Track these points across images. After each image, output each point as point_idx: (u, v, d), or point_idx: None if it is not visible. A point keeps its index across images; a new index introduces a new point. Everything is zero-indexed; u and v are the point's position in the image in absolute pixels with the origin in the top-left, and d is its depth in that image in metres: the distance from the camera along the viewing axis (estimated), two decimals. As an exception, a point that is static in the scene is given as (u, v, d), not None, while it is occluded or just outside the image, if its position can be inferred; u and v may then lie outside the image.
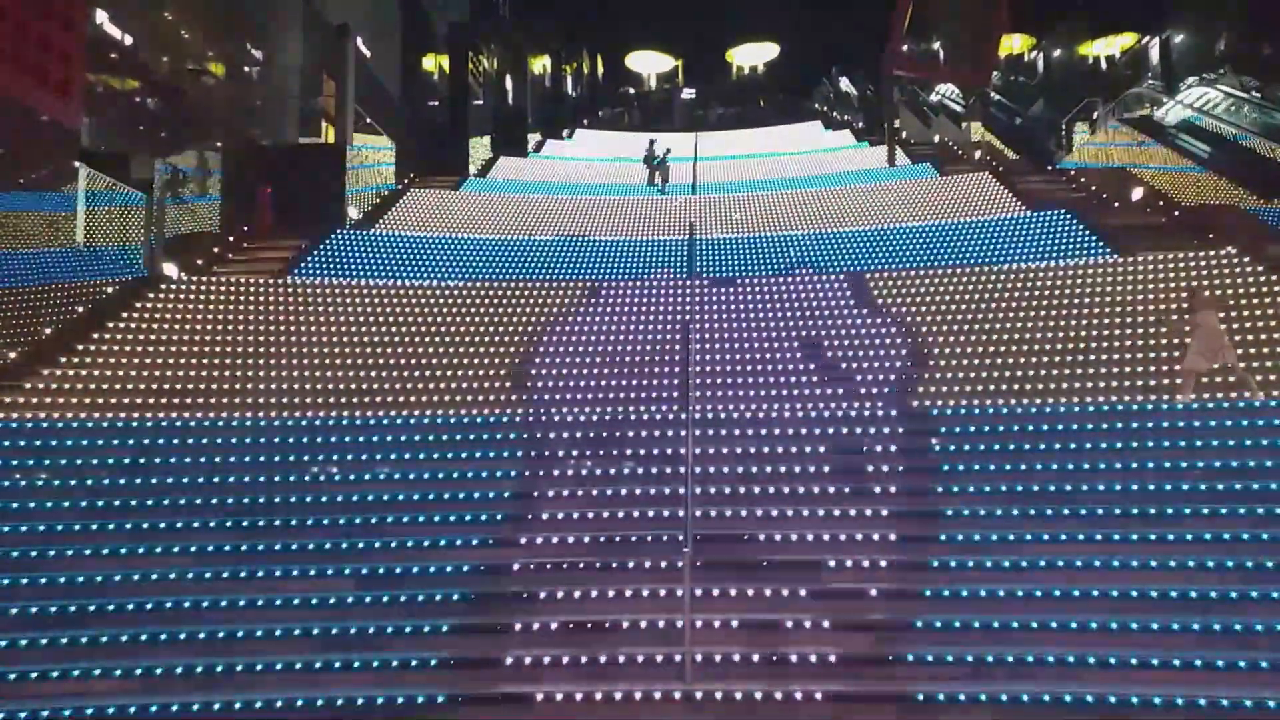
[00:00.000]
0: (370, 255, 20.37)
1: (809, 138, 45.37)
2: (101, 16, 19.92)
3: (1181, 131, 30.05)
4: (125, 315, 15.13)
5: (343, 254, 20.26)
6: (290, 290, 16.91)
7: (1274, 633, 7.86)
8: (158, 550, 9.31)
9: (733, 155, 39.40)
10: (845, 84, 62.51)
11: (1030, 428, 11.03)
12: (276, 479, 10.50)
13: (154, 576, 8.96)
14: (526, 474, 10.59)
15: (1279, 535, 8.99)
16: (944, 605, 8.43)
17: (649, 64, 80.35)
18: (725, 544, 9.33)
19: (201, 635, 8.27)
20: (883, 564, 8.91)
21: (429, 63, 39.27)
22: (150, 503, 10.01)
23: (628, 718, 7.45)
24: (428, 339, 15.14)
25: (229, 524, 9.72)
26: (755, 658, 7.88)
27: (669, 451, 10.79)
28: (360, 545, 9.39)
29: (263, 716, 7.51)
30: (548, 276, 19.00)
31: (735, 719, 7.43)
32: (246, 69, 26.22)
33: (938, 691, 7.46)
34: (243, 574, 9.00)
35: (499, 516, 9.81)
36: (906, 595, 8.58)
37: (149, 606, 8.60)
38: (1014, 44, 54.67)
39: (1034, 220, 20.76)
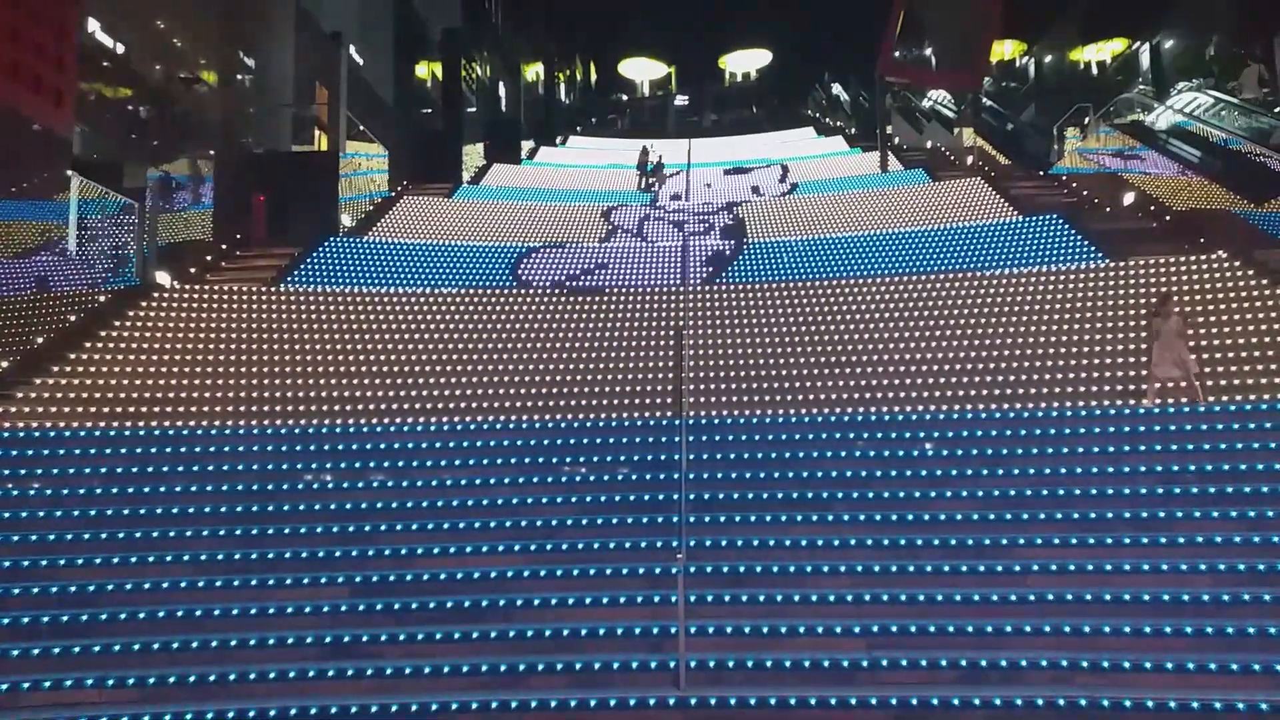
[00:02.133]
0: (363, 263, 20.38)
1: (801, 144, 45.49)
2: (94, 25, 19.91)
3: (1172, 136, 30.18)
4: (118, 324, 15.11)
5: (336, 262, 20.27)
6: (283, 298, 16.91)
7: (1266, 635, 7.90)
8: (150, 560, 9.29)
9: (726, 161, 39.46)
10: (837, 90, 62.72)
11: (1022, 432, 11.08)
12: (270, 487, 10.50)
13: (147, 586, 8.95)
14: (520, 480, 10.60)
15: (1270, 538, 9.03)
16: (935, 610, 8.45)
17: (642, 71, 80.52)
18: (721, 551, 9.36)
19: (195, 645, 8.25)
20: (876, 569, 8.94)
21: (422, 70, 39.30)
22: (143, 511, 10.00)
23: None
24: (421, 346, 15.15)
25: (222, 532, 9.72)
26: (749, 663, 7.89)
27: (663, 458, 10.81)
28: (354, 553, 9.39)
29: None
30: (540, 283, 19.04)
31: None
32: (239, 77, 26.20)
33: (930, 696, 7.47)
34: (236, 583, 8.99)
35: (491, 524, 9.82)
36: (898, 600, 8.59)
37: (142, 615, 8.59)
38: (1005, 50, 54.92)
39: (1026, 225, 20.85)
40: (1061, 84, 47.20)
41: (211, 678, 7.86)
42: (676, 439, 10.83)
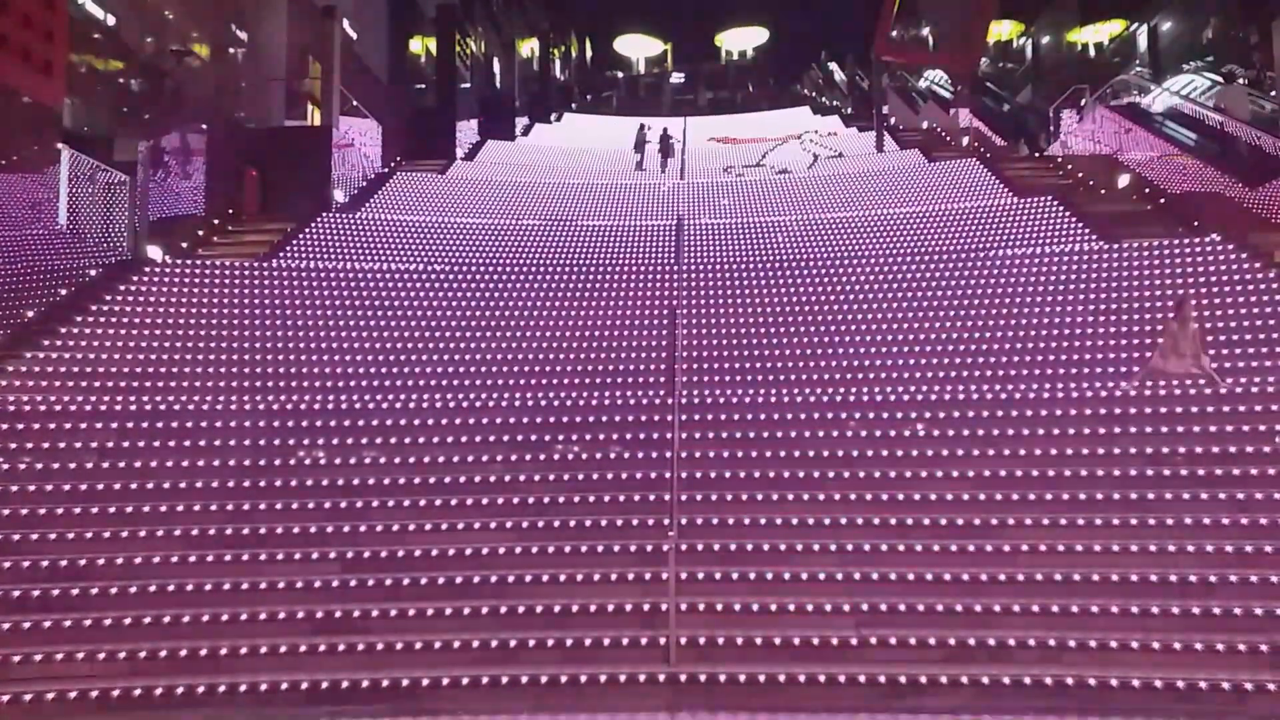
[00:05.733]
0: (357, 239, 20.28)
1: (798, 123, 45.28)
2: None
3: (1168, 119, 30.13)
4: (109, 298, 15.02)
5: (329, 237, 20.16)
6: (276, 273, 16.81)
7: (1252, 616, 7.96)
8: (141, 534, 9.29)
9: (722, 142, 39.26)
10: (834, 69, 62.47)
11: (1013, 413, 11.10)
12: (261, 462, 10.48)
13: (137, 560, 8.95)
14: (513, 458, 10.60)
15: (1258, 520, 9.08)
16: (924, 588, 8.49)
17: (638, 48, 79.91)
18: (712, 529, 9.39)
19: (185, 619, 8.26)
20: (866, 547, 8.97)
21: (416, 45, 38.98)
22: (134, 486, 9.98)
23: (612, 699, 7.49)
24: (414, 323, 15.10)
25: (213, 507, 9.70)
26: (739, 640, 7.93)
27: (655, 436, 10.82)
28: (345, 529, 9.40)
29: (249, 699, 7.52)
30: (534, 261, 18.98)
31: (720, 700, 7.48)
32: (231, 50, 25.98)
33: (919, 674, 7.52)
34: (227, 557, 9.00)
35: (483, 501, 9.83)
36: (887, 578, 8.63)
37: (132, 590, 8.60)
38: (1003, 30, 54.65)
39: (1020, 207, 20.81)
40: (1059, 65, 47.00)
41: (202, 652, 7.89)
42: (669, 417, 10.84)
